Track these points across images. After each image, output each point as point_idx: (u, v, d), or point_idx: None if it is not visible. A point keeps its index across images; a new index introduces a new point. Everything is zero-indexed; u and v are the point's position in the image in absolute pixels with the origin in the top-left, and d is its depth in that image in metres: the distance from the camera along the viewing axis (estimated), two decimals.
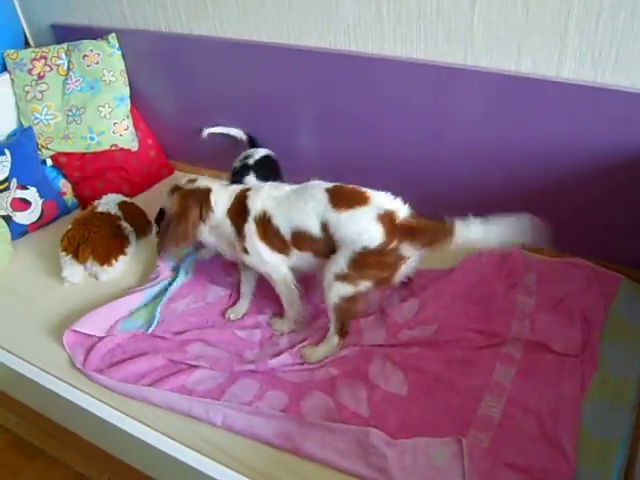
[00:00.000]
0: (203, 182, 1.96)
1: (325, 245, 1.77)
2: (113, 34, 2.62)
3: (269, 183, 1.92)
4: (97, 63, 2.61)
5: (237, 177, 2.24)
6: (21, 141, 2.59)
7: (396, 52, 2.05)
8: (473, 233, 1.65)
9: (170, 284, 2.17)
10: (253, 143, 2.49)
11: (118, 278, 2.29)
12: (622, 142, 1.81)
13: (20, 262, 2.43)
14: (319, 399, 1.74)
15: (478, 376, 1.76)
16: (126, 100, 2.69)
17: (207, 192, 1.92)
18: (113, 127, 2.65)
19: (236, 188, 1.95)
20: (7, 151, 2.51)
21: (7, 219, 2.48)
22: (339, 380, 1.79)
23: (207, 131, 2.60)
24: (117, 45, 2.63)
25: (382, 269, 1.74)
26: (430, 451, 1.57)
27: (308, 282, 2.03)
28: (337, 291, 1.76)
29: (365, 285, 1.75)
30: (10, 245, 2.45)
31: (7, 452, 2.02)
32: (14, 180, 2.50)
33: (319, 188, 1.78)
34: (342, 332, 1.85)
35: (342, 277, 1.73)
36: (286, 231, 1.80)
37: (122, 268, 2.32)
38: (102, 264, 2.24)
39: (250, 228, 1.85)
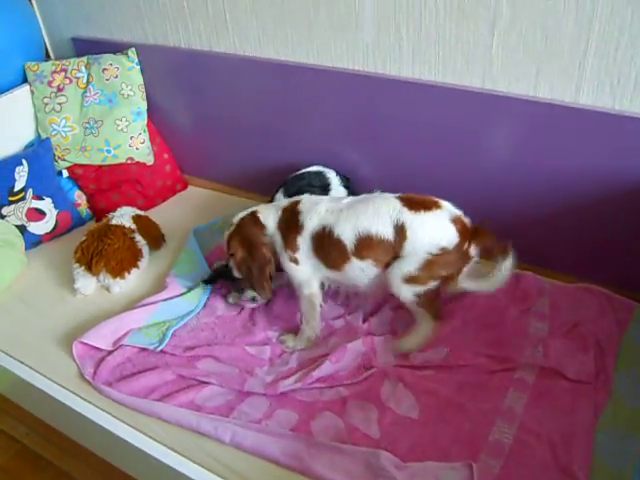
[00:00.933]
0: (240, 215, 1.99)
1: (392, 249, 1.79)
2: (133, 49, 2.65)
3: (327, 197, 1.97)
4: (116, 77, 2.64)
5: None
6: (38, 152, 2.61)
7: (414, 74, 2.05)
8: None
9: (188, 311, 2.15)
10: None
11: (130, 291, 2.29)
12: (638, 169, 1.80)
13: (33, 272, 2.44)
14: (329, 419, 1.72)
15: (490, 401, 1.74)
16: (143, 114, 2.71)
17: (254, 215, 1.95)
18: (130, 141, 2.67)
19: (282, 202, 1.99)
20: (25, 161, 2.53)
21: (22, 229, 2.49)
22: (350, 401, 1.77)
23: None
24: (136, 60, 2.66)
25: (453, 268, 1.81)
26: (440, 475, 1.55)
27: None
28: (409, 291, 1.82)
29: (434, 283, 1.82)
30: (24, 255, 2.46)
31: (14, 463, 2.02)
32: (30, 190, 2.53)
33: (389, 195, 1.84)
34: (438, 315, 1.89)
35: (411, 279, 1.79)
36: (350, 239, 1.81)
37: (135, 281, 2.32)
38: (115, 277, 2.25)
39: (304, 242, 1.87)
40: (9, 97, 2.64)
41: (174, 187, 2.88)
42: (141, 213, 2.53)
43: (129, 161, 2.70)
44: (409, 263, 1.78)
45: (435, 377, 1.82)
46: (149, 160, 2.75)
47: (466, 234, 1.78)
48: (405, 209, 1.77)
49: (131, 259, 2.30)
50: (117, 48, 2.68)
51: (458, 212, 1.80)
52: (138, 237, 2.37)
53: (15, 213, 2.49)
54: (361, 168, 2.35)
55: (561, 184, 1.95)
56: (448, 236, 1.75)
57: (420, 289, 1.81)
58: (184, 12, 2.45)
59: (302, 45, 2.23)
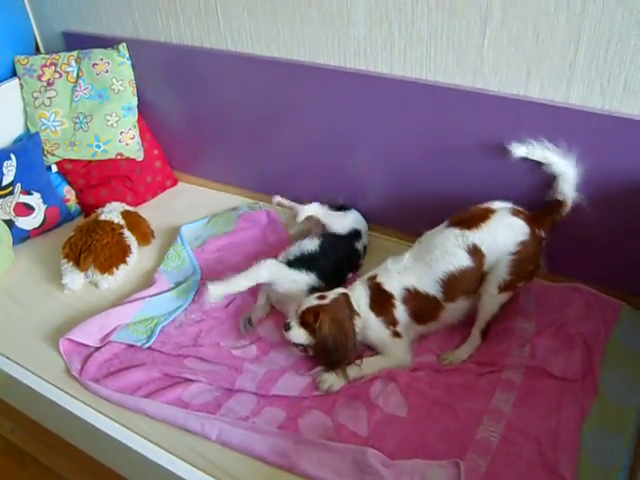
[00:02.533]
0: (331, 295, 1.86)
1: (476, 273, 1.82)
2: (124, 44, 2.63)
3: (389, 260, 1.93)
4: (107, 72, 2.62)
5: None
6: (27, 146, 2.59)
7: (406, 72, 2.05)
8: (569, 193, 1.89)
9: (176, 307, 2.14)
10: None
11: (119, 287, 2.29)
12: (629, 170, 1.81)
13: (21, 267, 2.43)
14: (317, 417, 1.72)
15: (478, 400, 1.74)
16: (134, 110, 2.70)
17: (346, 298, 1.86)
18: (119, 136, 2.65)
19: (363, 280, 1.93)
20: (13, 156, 2.51)
21: (10, 223, 2.48)
22: (339, 399, 1.77)
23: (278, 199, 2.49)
24: (127, 55, 2.64)
25: (537, 257, 1.87)
26: (427, 473, 1.56)
27: None
28: (499, 301, 1.86)
29: (521, 284, 1.90)
30: (11, 250, 2.45)
31: (0, 459, 2.01)
32: (18, 185, 2.51)
33: (438, 229, 1.88)
34: (485, 333, 1.91)
35: (505, 286, 1.82)
36: (436, 289, 1.83)
37: (123, 277, 2.31)
38: (103, 272, 2.24)
39: (400, 312, 1.85)
40: None
41: (164, 183, 2.87)
42: (130, 209, 2.52)
43: (119, 157, 2.69)
44: (498, 273, 1.81)
45: (424, 378, 1.83)
46: (139, 156, 2.73)
47: (531, 220, 1.83)
48: (466, 231, 1.80)
49: (119, 255, 2.29)
50: (108, 43, 2.66)
51: (510, 205, 1.85)
52: (127, 233, 2.36)
53: (3, 208, 2.47)
54: (352, 166, 2.35)
55: (549, 184, 1.95)
56: (519, 230, 1.80)
57: (509, 295, 1.86)
58: (175, 7, 2.44)
59: (293, 42, 2.23)
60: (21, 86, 2.66)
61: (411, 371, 1.85)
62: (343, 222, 2.28)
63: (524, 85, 1.88)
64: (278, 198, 2.48)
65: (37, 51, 2.94)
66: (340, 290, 1.88)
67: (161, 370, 1.88)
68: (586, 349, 1.85)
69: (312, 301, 1.84)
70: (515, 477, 1.56)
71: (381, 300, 1.86)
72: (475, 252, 1.79)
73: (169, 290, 2.20)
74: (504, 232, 1.79)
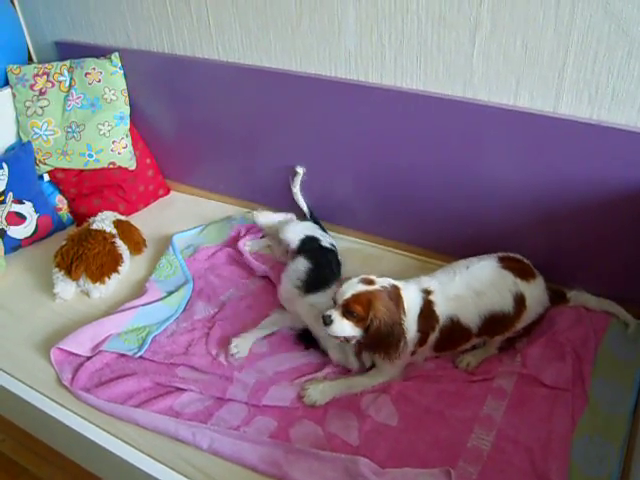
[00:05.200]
0: (381, 281, 1.73)
1: (511, 321, 1.84)
2: (116, 53, 2.63)
3: (439, 277, 1.85)
4: (99, 81, 2.62)
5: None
6: (19, 155, 2.59)
7: (396, 82, 2.07)
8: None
9: (168, 316, 2.14)
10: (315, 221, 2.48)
11: (110, 296, 2.28)
12: (617, 179, 1.82)
13: (12, 277, 2.42)
14: (308, 427, 1.72)
15: (469, 409, 1.75)
16: (126, 119, 2.70)
17: (398, 292, 1.72)
18: (112, 145, 2.65)
19: (419, 288, 1.79)
20: (5, 165, 2.51)
21: (1, 233, 2.47)
22: (330, 409, 1.77)
23: (258, 216, 2.47)
24: (119, 64, 2.65)
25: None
26: None
27: None
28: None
29: None
30: (3, 259, 2.44)
31: None
32: (10, 194, 2.50)
33: (490, 265, 1.87)
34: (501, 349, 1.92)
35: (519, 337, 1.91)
36: (475, 322, 1.80)
37: (115, 286, 2.31)
38: (95, 282, 2.23)
39: (433, 338, 1.79)
40: None
41: (156, 192, 2.87)
42: (122, 218, 2.52)
43: (111, 166, 2.69)
44: (520, 324, 1.86)
45: (414, 386, 1.83)
46: (131, 165, 2.74)
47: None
48: (518, 280, 1.83)
49: (111, 264, 2.28)
50: (100, 52, 2.67)
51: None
52: (119, 242, 2.36)
53: None
54: (343, 174, 2.36)
55: (538, 193, 1.96)
56: (545, 298, 1.91)
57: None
58: (168, 17, 2.45)
59: (285, 52, 2.24)
60: (13, 95, 2.66)
61: (402, 380, 1.86)
62: (295, 229, 2.31)
63: (513, 95, 1.89)
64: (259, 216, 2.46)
65: (29, 60, 2.94)
66: (390, 280, 1.74)
67: (152, 379, 1.88)
68: (576, 358, 1.86)
69: (356, 286, 1.67)
70: None
71: (427, 319, 1.75)
72: (520, 302, 1.82)
73: (161, 299, 2.19)
74: (543, 296, 1.89)
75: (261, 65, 2.33)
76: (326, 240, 2.28)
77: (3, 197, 2.49)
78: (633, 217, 1.86)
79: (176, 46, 2.51)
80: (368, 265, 2.31)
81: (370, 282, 1.68)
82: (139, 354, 1.97)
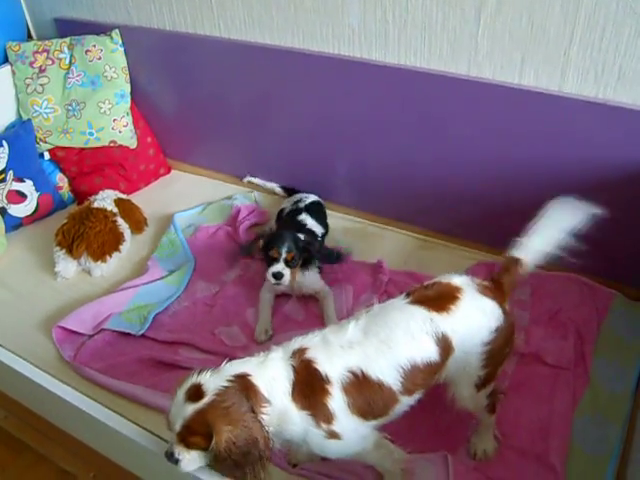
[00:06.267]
0: (230, 368, 1.30)
1: (439, 368, 1.41)
2: (117, 30, 2.61)
3: (327, 330, 1.42)
4: (99, 59, 2.60)
5: (289, 217, 2.29)
6: (19, 133, 2.58)
7: (400, 60, 2.04)
8: (536, 249, 1.52)
9: (169, 295, 2.14)
10: (291, 192, 2.55)
11: (112, 275, 2.28)
12: (622, 159, 1.81)
13: (13, 255, 2.42)
14: None
15: None
16: (127, 97, 2.68)
17: (246, 381, 1.27)
18: (112, 123, 2.64)
19: (284, 355, 1.36)
20: (5, 143, 2.50)
21: (2, 211, 2.47)
22: None
23: (248, 179, 2.67)
24: (120, 41, 2.62)
25: (511, 341, 1.52)
26: (416, 466, 1.55)
27: None
28: (483, 397, 1.52)
29: (501, 368, 1.55)
30: (4, 237, 2.44)
31: None
32: (10, 172, 2.49)
33: (397, 304, 1.45)
34: (493, 409, 1.58)
35: (483, 382, 1.47)
36: (394, 377, 1.35)
37: (116, 265, 2.31)
38: (96, 260, 2.23)
39: (337, 402, 1.32)
40: None
41: (157, 171, 2.86)
42: (123, 197, 2.52)
43: (112, 144, 2.67)
44: (471, 370, 1.44)
45: None
46: (132, 143, 2.72)
47: (498, 294, 1.48)
48: (435, 314, 1.39)
49: (112, 242, 2.28)
50: (101, 29, 2.64)
51: (471, 279, 1.49)
52: (120, 221, 2.36)
53: None
54: (345, 153, 2.35)
55: (543, 173, 1.95)
56: (492, 314, 1.44)
57: (491, 387, 1.52)
58: None
59: (287, 29, 2.21)
60: (13, 73, 2.64)
61: None
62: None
63: (518, 73, 1.87)
64: (248, 179, 2.57)
65: (29, 37, 2.91)
66: (232, 370, 1.28)
67: (154, 357, 1.88)
68: (578, 337, 1.86)
69: (184, 409, 1.22)
70: (505, 468, 1.57)
71: (311, 385, 1.31)
72: (444, 345, 1.38)
73: (162, 278, 2.20)
74: (476, 321, 1.42)
75: (263, 42, 2.30)
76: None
77: (3, 175, 2.48)
78: (636, 197, 1.85)
79: (177, 23, 2.48)
80: (368, 243, 2.32)
81: (198, 394, 1.22)
82: (141, 332, 1.97)
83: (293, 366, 1.32)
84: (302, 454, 1.60)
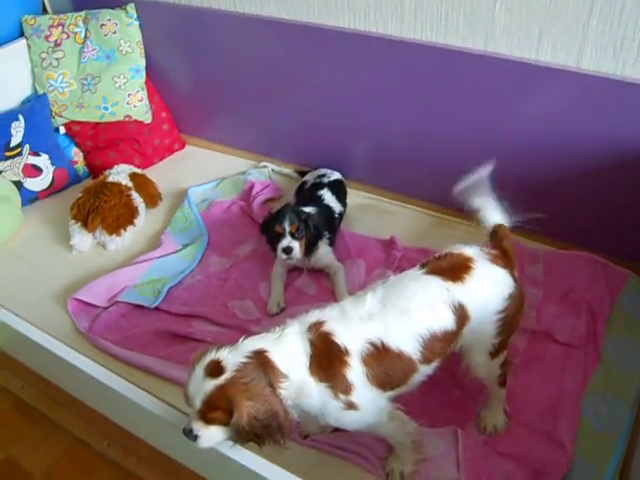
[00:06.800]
0: (247, 344, 1.30)
1: (455, 337, 1.44)
2: (132, 4, 2.59)
3: (344, 302, 1.43)
4: (114, 33, 2.59)
5: (309, 191, 2.30)
6: (35, 108, 2.59)
7: (416, 35, 2.02)
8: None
9: (183, 268, 2.16)
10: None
11: (126, 248, 2.30)
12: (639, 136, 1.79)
13: (29, 228, 2.45)
14: None
15: None
16: (142, 72, 2.68)
17: (263, 357, 1.28)
18: (127, 98, 2.64)
19: (301, 329, 1.36)
20: (21, 117, 2.51)
21: (18, 185, 2.49)
22: None
23: (264, 164, 2.67)
24: (135, 16, 2.61)
25: (522, 308, 1.54)
26: (426, 440, 1.57)
27: None
28: (496, 365, 1.55)
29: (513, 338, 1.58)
30: (20, 211, 2.46)
31: (10, 415, 2.04)
32: (27, 146, 2.51)
33: (412, 275, 1.46)
34: (503, 383, 1.62)
35: (497, 350, 1.50)
36: (414, 347, 1.37)
37: (130, 238, 2.33)
38: (111, 234, 2.25)
39: (356, 373, 1.33)
40: (6, 51, 2.60)
41: (172, 146, 2.86)
42: (138, 171, 2.53)
43: (127, 119, 2.68)
44: (485, 338, 1.47)
45: None
46: (147, 118, 2.72)
47: (507, 261, 1.51)
48: (450, 284, 1.41)
49: (127, 216, 2.30)
50: (116, 3, 2.63)
51: (481, 249, 1.51)
52: (134, 195, 2.37)
53: (12, 168, 2.48)
54: (360, 129, 2.34)
55: (560, 150, 1.93)
56: (504, 281, 1.47)
57: (504, 355, 1.55)
58: None
59: (303, 3, 2.19)
60: (28, 47, 2.64)
61: None
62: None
63: (535, 49, 1.85)
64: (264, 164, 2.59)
65: (44, 11, 2.90)
66: (249, 346, 1.29)
67: (168, 330, 1.90)
68: (591, 316, 1.86)
69: (204, 385, 1.23)
70: (514, 442, 1.58)
71: (328, 358, 1.32)
72: (460, 314, 1.41)
73: (176, 252, 2.21)
74: (490, 288, 1.45)
75: (278, 17, 2.28)
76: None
77: (20, 149, 2.49)
78: None
79: None
80: (382, 220, 2.32)
81: (217, 370, 1.24)
82: (155, 305, 1.99)
83: (310, 340, 1.33)
84: (314, 426, 1.62)
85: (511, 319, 1.47)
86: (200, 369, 1.25)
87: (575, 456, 1.53)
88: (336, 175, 2.41)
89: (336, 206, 2.26)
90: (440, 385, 1.68)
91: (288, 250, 1.95)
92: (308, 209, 2.10)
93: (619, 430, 1.60)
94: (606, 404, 1.66)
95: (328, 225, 2.13)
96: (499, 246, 1.54)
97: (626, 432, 1.59)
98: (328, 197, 2.25)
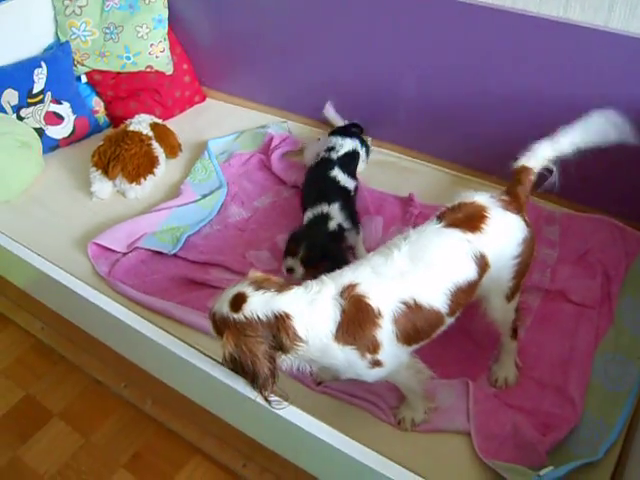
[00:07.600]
0: (279, 300, 1.29)
1: (477, 286, 1.46)
2: None
3: (372, 260, 1.41)
4: None
5: (320, 170, 2.17)
6: (57, 55, 2.59)
7: None
8: (544, 156, 1.58)
9: (202, 218, 2.17)
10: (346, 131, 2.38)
11: (145, 197, 2.33)
12: None
13: (50, 175, 2.47)
14: None
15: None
16: (164, 22, 2.67)
17: (283, 323, 1.26)
18: (149, 48, 2.63)
19: (333, 292, 1.32)
20: (44, 64, 2.52)
21: (40, 132, 2.50)
22: None
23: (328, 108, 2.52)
24: None
25: (533, 251, 1.56)
26: (438, 391, 1.61)
27: None
28: (512, 308, 1.59)
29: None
30: (41, 158, 2.48)
31: (30, 355, 2.10)
32: (49, 94, 2.52)
33: (432, 228, 1.45)
34: (515, 333, 1.65)
35: (512, 293, 1.54)
36: (443, 302, 1.38)
37: (150, 187, 2.35)
38: (131, 182, 2.27)
39: (386, 333, 1.33)
40: None
41: (192, 98, 2.86)
42: (159, 121, 2.53)
43: (148, 69, 2.68)
44: (502, 281, 1.50)
45: None
46: (168, 69, 2.72)
47: (518, 205, 1.52)
48: (470, 235, 1.42)
49: (147, 165, 2.31)
50: None
51: (492, 196, 1.51)
52: (155, 144, 2.38)
53: (34, 115, 2.49)
54: (381, 87, 2.33)
55: (584, 110, 1.91)
56: (518, 227, 1.49)
57: (518, 297, 1.59)
58: None
59: None
60: None
61: None
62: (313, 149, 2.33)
63: (564, 6, 1.82)
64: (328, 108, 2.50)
65: None
66: (276, 304, 1.27)
67: (186, 276, 1.93)
68: (606, 278, 1.86)
69: (223, 306, 1.28)
70: (524, 396, 1.61)
71: (359, 322, 1.31)
72: (482, 263, 1.42)
73: (195, 201, 2.23)
74: (506, 235, 1.47)
75: None
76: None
77: (42, 96, 2.51)
78: None
79: None
80: (402, 177, 2.32)
81: (240, 302, 1.27)
82: (173, 252, 2.02)
83: (342, 306, 1.30)
84: (328, 374, 1.65)
85: (526, 262, 1.52)
86: (228, 296, 1.29)
87: (584, 412, 1.55)
88: (347, 145, 2.25)
89: (350, 184, 2.15)
90: (454, 339, 1.68)
91: (290, 271, 1.88)
92: (327, 209, 2.00)
93: (628, 389, 1.61)
94: (617, 364, 1.67)
95: (351, 216, 2.04)
96: (511, 191, 1.54)
97: (635, 390, 1.61)
98: (341, 177, 2.13)
